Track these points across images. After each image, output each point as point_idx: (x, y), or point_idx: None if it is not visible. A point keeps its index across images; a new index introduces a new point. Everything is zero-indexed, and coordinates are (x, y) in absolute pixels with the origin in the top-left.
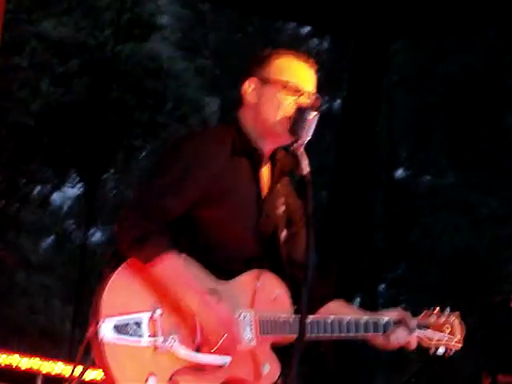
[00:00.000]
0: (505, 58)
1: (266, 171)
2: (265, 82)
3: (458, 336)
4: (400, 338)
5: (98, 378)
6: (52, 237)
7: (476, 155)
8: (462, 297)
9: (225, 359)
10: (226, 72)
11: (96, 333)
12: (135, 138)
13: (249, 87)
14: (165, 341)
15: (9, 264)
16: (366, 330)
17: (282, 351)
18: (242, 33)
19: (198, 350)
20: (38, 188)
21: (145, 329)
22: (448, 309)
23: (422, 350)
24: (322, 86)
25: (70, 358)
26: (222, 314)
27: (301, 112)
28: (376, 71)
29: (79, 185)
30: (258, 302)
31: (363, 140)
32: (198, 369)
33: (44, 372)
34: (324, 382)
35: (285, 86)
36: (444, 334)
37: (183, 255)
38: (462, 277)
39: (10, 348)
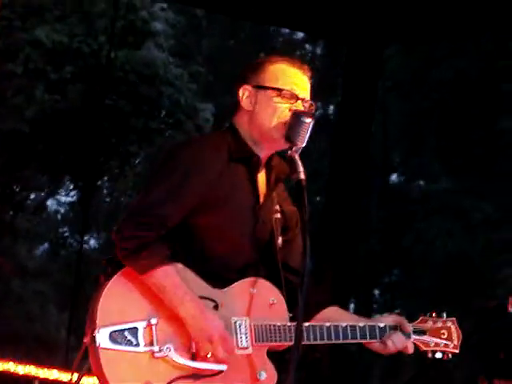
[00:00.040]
0: (498, 63)
1: (261, 177)
2: (260, 88)
3: (455, 341)
4: (397, 343)
5: None
6: (47, 243)
7: (469, 160)
8: (455, 302)
9: (221, 367)
10: (219, 78)
11: (92, 341)
12: (130, 145)
13: (244, 94)
14: (160, 349)
15: (4, 271)
16: (363, 336)
17: (277, 358)
18: (235, 39)
19: (193, 358)
20: (33, 195)
21: (140, 337)
22: (444, 314)
23: (418, 355)
24: (316, 92)
25: (65, 366)
26: (216, 323)
27: (296, 118)
28: (370, 77)
29: (74, 191)
30: (253, 310)
31: (358, 145)
32: (195, 377)
33: (40, 378)
34: None
35: (280, 93)
36: (441, 339)
37: (179, 266)
38: (455, 282)
39: (5, 356)
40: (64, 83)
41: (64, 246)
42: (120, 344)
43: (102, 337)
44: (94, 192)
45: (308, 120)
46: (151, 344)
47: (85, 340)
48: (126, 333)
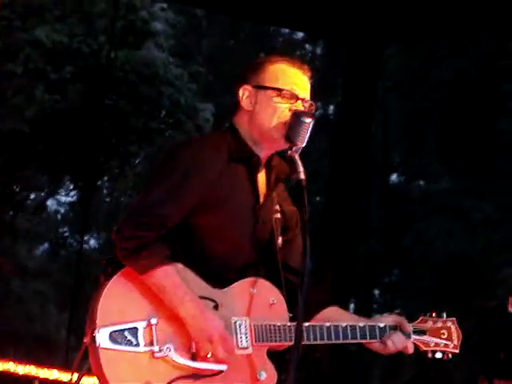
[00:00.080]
0: (498, 63)
1: (261, 177)
2: (260, 88)
3: (455, 341)
4: (397, 343)
5: None
6: (47, 243)
7: (469, 160)
8: (455, 302)
9: (221, 367)
10: (219, 78)
11: (92, 341)
12: (130, 145)
13: (244, 94)
14: (160, 349)
15: (4, 271)
16: (363, 336)
17: (277, 358)
18: (235, 39)
19: (193, 358)
20: (33, 195)
21: (140, 337)
22: (444, 314)
23: (418, 355)
24: (316, 92)
25: (65, 366)
26: (216, 323)
27: (296, 118)
28: (370, 77)
29: (74, 191)
30: (253, 310)
31: (358, 145)
32: (195, 377)
33: (40, 378)
34: None
35: (280, 93)
36: (441, 339)
37: (179, 266)
38: (455, 282)
39: (5, 356)
40: (64, 83)
41: (64, 246)
42: (120, 344)
43: (102, 337)
44: (94, 192)
45: (308, 120)
46: (151, 344)
47: (85, 340)
48: (126, 333)
